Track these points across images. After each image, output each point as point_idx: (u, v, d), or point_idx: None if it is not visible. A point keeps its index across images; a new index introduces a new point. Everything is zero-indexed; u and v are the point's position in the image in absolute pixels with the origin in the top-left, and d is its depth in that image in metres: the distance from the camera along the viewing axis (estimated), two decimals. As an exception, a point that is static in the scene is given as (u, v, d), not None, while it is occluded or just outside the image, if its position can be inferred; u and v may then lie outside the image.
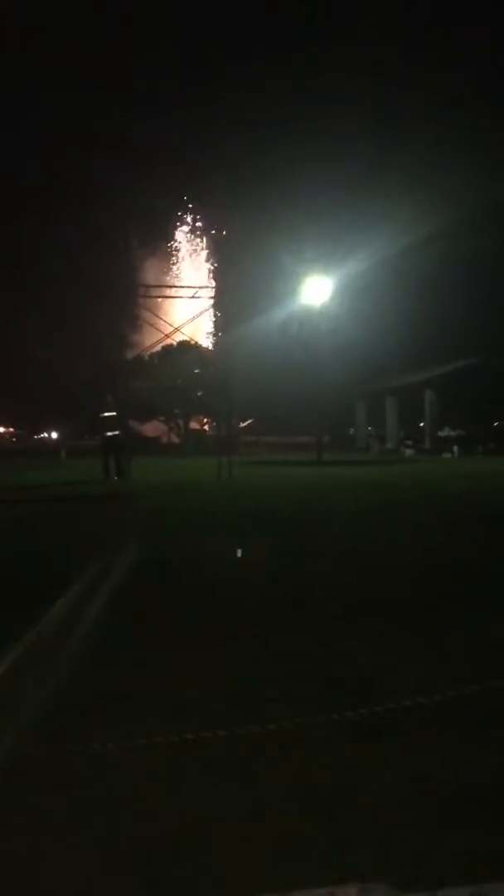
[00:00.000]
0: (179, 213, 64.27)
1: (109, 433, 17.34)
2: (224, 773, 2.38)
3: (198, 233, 64.70)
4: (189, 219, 64.65)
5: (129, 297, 19.84)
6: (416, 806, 2.16)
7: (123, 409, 18.97)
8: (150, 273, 58.49)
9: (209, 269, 63.19)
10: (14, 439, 79.74)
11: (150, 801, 2.21)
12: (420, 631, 4.05)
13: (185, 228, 65.07)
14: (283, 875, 1.83)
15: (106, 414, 17.64)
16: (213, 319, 48.65)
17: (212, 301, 25.40)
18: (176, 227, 64.76)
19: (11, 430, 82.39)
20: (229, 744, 2.57)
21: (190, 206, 64.22)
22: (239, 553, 5.79)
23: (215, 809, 2.15)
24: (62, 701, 2.92)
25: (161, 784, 2.33)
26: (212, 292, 27.48)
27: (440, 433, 42.31)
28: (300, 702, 2.95)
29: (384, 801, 2.19)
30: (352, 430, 51.37)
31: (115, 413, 17.78)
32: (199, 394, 35.78)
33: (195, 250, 64.75)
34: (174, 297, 26.16)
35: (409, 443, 41.06)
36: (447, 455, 34.84)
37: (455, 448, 36.12)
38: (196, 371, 34.84)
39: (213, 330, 50.97)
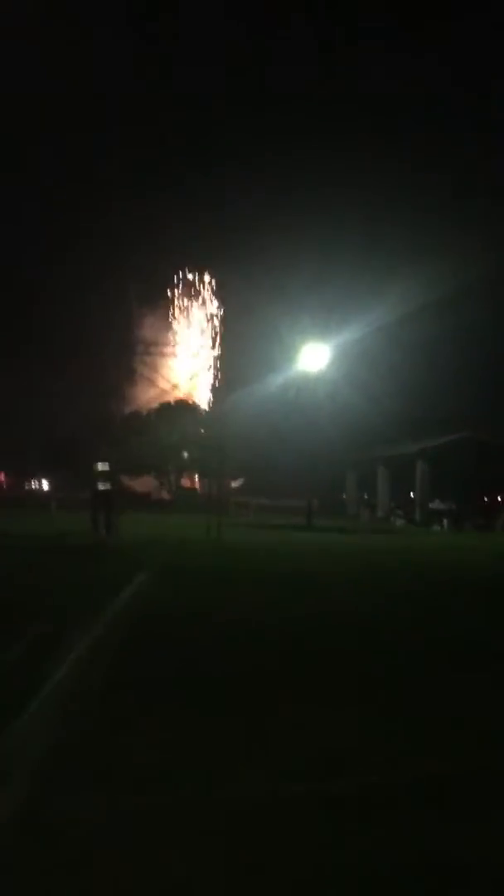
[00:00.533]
0: (180, 275, 65.71)
1: (101, 486, 17.26)
2: (203, 838, 2.40)
3: (198, 295, 66.10)
4: (189, 280, 66.05)
5: (128, 352, 20.07)
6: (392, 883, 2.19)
7: (118, 462, 18.94)
8: (149, 332, 59.58)
9: (211, 332, 64.42)
10: (4, 488, 79.28)
11: (128, 865, 2.22)
12: (390, 703, 4.05)
13: (187, 291, 66.52)
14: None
15: (99, 466, 17.59)
16: (212, 381, 49.27)
17: (210, 364, 25.80)
18: (176, 288, 66.18)
19: (2, 479, 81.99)
20: (208, 810, 2.58)
21: (189, 270, 65.74)
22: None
23: (194, 874, 2.17)
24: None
25: (136, 846, 2.34)
26: (211, 354, 27.95)
27: (431, 505, 42.41)
28: (274, 771, 2.95)
29: (360, 876, 2.21)
30: (344, 496, 51.46)
31: (108, 466, 17.72)
32: (187, 453, 36.04)
33: (198, 307, 65.93)
34: (173, 356, 26.64)
35: (400, 513, 41.12)
36: (437, 528, 34.89)
37: (445, 521, 36.22)
38: (191, 430, 35.21)
39: (211, 390, 51.55)
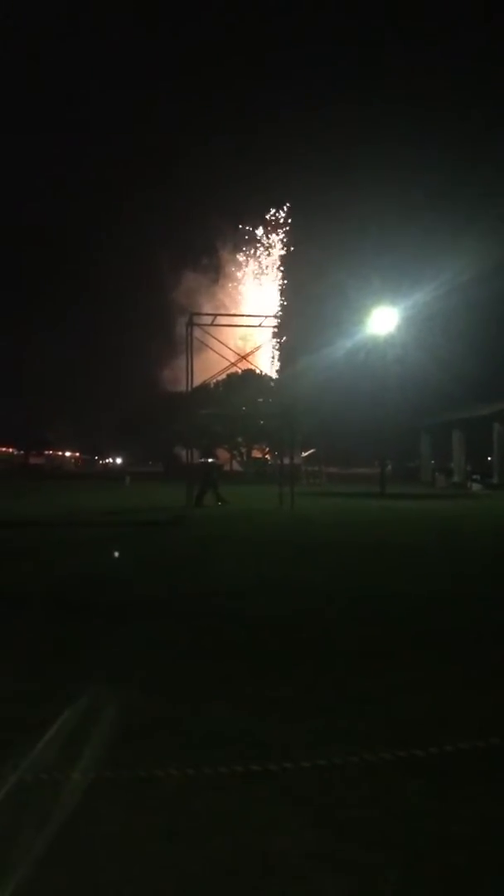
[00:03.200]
0: (248, 240, 64.74)
1: (202, 460, 17.97)
2: (291, 806, 2.30)
3: (265, 260, 65.15)
4: (257, 246, 65.06)
5: (186, 321, 20.13)
6: (483, 848, 2.04)
7: (213, 438, 19.66)
8: (212, 300, 59.29)
9: (277, 294, 63.53)
10: (80, 464, 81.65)
11: (218, 831, 2.15)
12: (482, 669, 3.87)
13: (253, 257, 65.60)
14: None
15: (205, 441, 18.36)
16: (277, 348, 48.83)
17: (275, 330, 25.47)
18: (243, 254, 65.34)
19: (78, 454, 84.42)
20: (296, 777, 2.49)
21: (258, 233, 64.67)
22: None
23: (283, 841, 2.08)
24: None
25: (228, 814, 2.26)
26: (276, 318, 27.63)
27: (508, 468, 41.09)
28: (365, 738, 2.84)
29: (452, 841, 2.08)
30: (414, 463, 50.55)
31: (212, 440, 18.44)
32: (261, 422, 35.93)
33: (262, 273, 64.99)
34: (240, 325, 26.43)
35: (476, 477, 40.04)
36: (515, 490, 33.83)
37: (524, 484, 35.06)
38: (260, 400, 35.06)
39: (276, 358, 51.15)
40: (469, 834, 2.14)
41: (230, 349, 21.00)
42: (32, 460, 71.15)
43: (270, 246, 63.99)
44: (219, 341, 19.97)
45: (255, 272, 64.62)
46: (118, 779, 2.46)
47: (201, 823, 2.19)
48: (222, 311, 40.15)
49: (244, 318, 35.00)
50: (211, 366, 22.33)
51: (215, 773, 2.49)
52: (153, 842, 2.09)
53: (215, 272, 63.70)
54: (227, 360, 21.26)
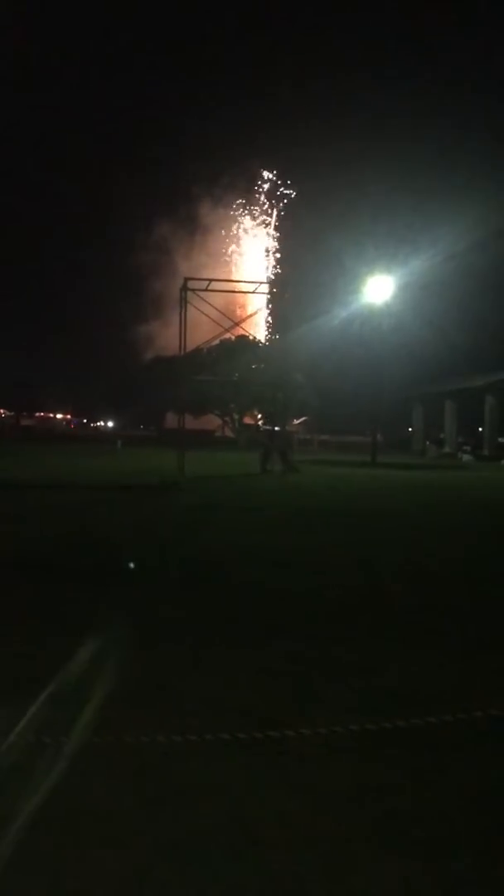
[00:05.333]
0: (246, 205, 63.57)
1: (265, 427, 18.18)
2: (267, 774, 2.33)
3: (263, 225, 64.13)
4: (254, 211, 63.90)
5: (180, 285, 19.81)
6: (458, 816, 2.07)
7: (282, 405, 19.62)
8: (204, 263, 58.41)
9: (270, 264, 62.76)
10: (72, 426, 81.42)
11: (196, 797, 2.17)
12: (459, 642, 3.90)
13: (248, 223, 64.55)
14: (325, 874, 1.82)
15: (269, 409, 18.50)
16: (270, 315, 48.41)
17: (269, 296, 25.23)
18: (236, 221, 64.23)
19: (69, 417, 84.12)
20: (279, 745, 2.51)
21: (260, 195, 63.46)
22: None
23: (256, 808, 2.10)
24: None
25: (211, 781, 2.28)
26: (269, 285, 27.35)
27: (501, 440, 41.33)
28: (340, 708, 2.86)
29: (425, 812, 2.12)
30: (410, 430, 50.67)
31: (273, 409, 18.47)
32: (253, 388, 35.82)
33: (255, 236, 63.93)
34: (235, 291, 26.15)
35: (467, 448, 40.22)
36: (505, 462, 34.02)
37: (513, 455, 35.26)
38: (253, 367, 34.89)
39: (270, 324, 50.72)
40: (445, 802, 2.18)
41: (221, 313, 20.74)
42: (23, 422, 70.80)
43: (258, 212, 62.98)
44: (213, 306, 19.73)
45: (244, 230, 63.45)
46: (105, 744, 2.47)
47: (184, 790, 2.21)
48: (204, 273, 39.34)
49: (238, 283, 34.62)
50: (201, 330, 22.07)
51: (200, 740, 2.51)
52: (139, 807, 2.11)
53: (192, 224, 62.12)
54: (219, 325, 21.04)
